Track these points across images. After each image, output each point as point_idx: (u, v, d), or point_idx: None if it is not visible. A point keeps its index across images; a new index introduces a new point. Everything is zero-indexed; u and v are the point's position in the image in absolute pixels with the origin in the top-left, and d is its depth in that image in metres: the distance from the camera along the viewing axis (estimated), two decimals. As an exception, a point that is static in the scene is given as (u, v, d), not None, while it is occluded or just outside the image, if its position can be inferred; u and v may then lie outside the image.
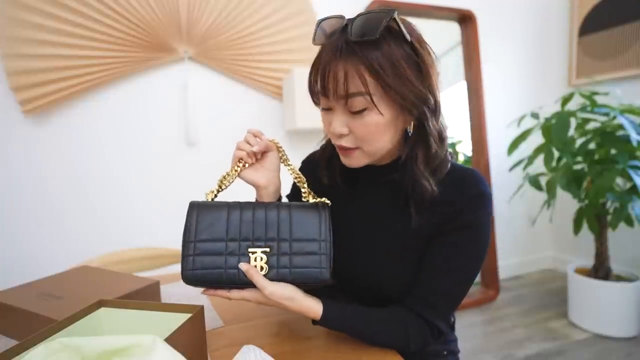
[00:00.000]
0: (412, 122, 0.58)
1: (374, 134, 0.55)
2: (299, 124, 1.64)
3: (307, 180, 0.65)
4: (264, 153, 0.65)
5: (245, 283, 0.55)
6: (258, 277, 0.54)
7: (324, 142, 0.72)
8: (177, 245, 1.21)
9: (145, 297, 0.70)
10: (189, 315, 0.50)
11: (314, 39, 0.57)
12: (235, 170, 0.62)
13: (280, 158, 0.66)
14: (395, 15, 0.51)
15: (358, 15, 0.52)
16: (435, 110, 0.56)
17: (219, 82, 1.77)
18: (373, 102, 0.52)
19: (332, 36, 0.54)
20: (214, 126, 1.77)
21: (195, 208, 0.58)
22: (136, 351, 0.37)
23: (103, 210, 1.62)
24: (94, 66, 1.52)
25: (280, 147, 0.66)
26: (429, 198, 0.57)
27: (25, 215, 1.51)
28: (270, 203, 0.60)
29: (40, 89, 1.45)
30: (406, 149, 0.58)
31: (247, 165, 0.63)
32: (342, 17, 0.54)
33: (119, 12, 1.52)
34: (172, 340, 0.42)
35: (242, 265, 0.55)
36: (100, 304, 0.55)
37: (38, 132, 1.51)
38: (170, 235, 1.71)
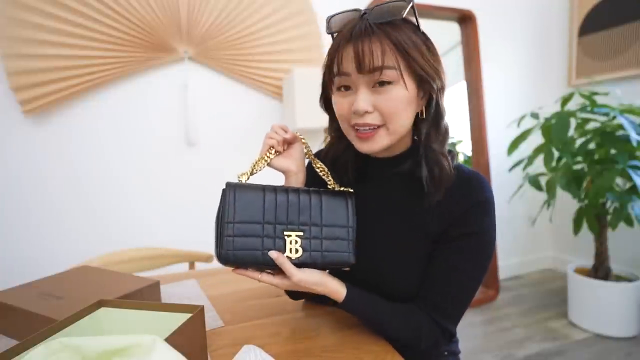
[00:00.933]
0: (427, 103, 0.60)
1: (398, 108, 0.56)
2: (299, 124, 1.64)
3: (312, 178, 0.68)
4: (289, 144, 0.67)
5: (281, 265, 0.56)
6: (288, 265, 0.55)
7: (325, 145, 0.73)
8: (177, 245, 1.22)
9: (145, 297, 0.70)
10: (189, 315, 0.50)
11: (329, 27, 0.60)
12: (268, 157, 0.64)
13: (305, 150, 0.68)
14: (413, 5, 0.55)
15: (376, 5, 0.56)
16: (443, 91, 0.60)
17: (219, 82, 1.77)
18: (402, 75, 0.55)
19: (348, 24, 0.57)
20: (214, 126, 1.77)
21: (232, 188, 0.59)
22: (136, 351, 0.37)
23: (103, 210, 1.62)
24: (94, 66, 1.52)
25: (304, 140, 0.68)
26: (446, 179, 0.59)
27: (25, 215, 1.51)
28: (302, 188, 0.62)
29: (40, 89, 1.45)
30: (421, 130, 0.61)
31: (276, 153, 0.65)
32: (357, 9, 0.58)
33: (119, 12, 1.52)
34: (172, 340, 0.42)
35: (272, 254, 0.56)
36: (100, 304, 0.55)
37: (38, 132, 1.51)
38: (170, 235, 1.72)
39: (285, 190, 0.61)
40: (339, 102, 0.60)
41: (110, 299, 0.57)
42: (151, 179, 1.68)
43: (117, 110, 1.62)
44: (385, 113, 0.56)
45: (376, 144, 0.59)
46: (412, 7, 0.55)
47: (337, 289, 0.59)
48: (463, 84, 2.33)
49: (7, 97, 1.45)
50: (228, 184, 0.59)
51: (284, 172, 0.67)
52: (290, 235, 0.58)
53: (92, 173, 1.60)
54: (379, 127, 0.58)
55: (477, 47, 2.22)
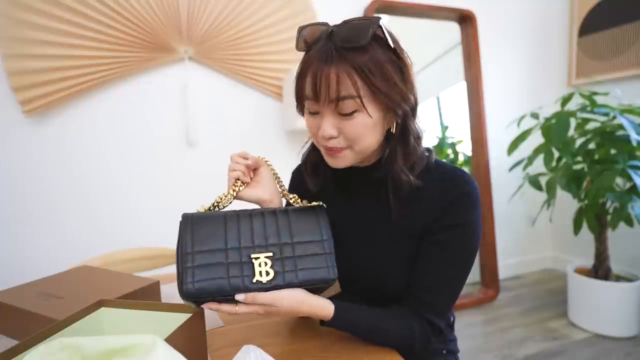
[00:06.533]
0: (395, 122, 0.59)
1: (363, 134, 0.56)
2: (299, 124, 1.64)
3: (298, 190, 0.68)
4: (255, 170, 0.65)
5: (252, 291, 0.53)
6: (262, 297, 0.52)
7: (305, 150, 0.72)
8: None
9: (145, 297, 0.70)
10: (189, 315, 0.50)
11: (297, 46, 0.59)
12: (234, 190, 0.62)
13: (274, 174, 0.67)
14: (381, 23, 0.53)
15: (344, 23, 0.54)
16: (415, 109, 0.60)
17: (219, 82, 1.77)
18: (363, 104, 0.54)
19: (317, 43, 0.55)
20: (214, 126, 1.77)
21: (189, 220, 0.56)
22: (136, 351, 0.37)
23: (103, 210, 1.62)
24: (93, 66, 1.52)
25: (269, 162, 0.66)
26: (410, 191, 0.59)
27: (25, 215, 1.51)
28: (267, 209, 0.60)
29: (40, 89, 1.45)
30: (387, 147, 0.60)
31: (243, 186, 0.63)
32: (325, 24, 0.56)
33: (119, 12, 1.52)
34: (172, 340, 0.42)
35: (239, 297, 0.52)
36: (100, 303, 0.55)
37: (38, 132, 1.51)
38: (170, 236, 1.71)
39: (248, 214, 0.58)
40: (309, 121, 0.60)
41: (110, 299, 0.57)
42: (151, 178, 1.68)
43: (117, 110, 1.62)
44: (349, 138, 0.57)
45: (341, 162, 0.60)
46: (380, 26, 0.53)
47: (322, 304, 0.56)
48: (463, 84, 2.33)
49: (7, 97, 1.45)
50: (184, 216, 0.57)
51: (256, 203, 0.64)
52: (258, 258, 0.53)
53: (92, 173, 1.59)
54: (344, 148, 0.58)
55: (477, 47, 2.22)
